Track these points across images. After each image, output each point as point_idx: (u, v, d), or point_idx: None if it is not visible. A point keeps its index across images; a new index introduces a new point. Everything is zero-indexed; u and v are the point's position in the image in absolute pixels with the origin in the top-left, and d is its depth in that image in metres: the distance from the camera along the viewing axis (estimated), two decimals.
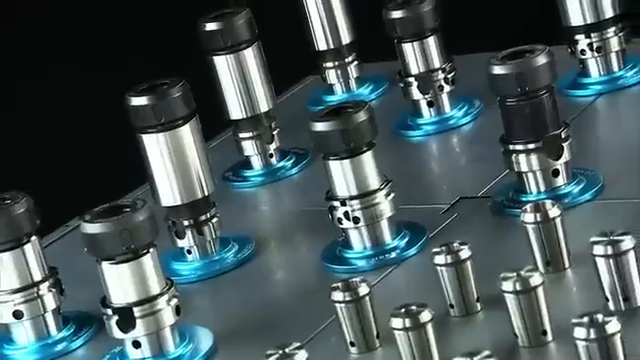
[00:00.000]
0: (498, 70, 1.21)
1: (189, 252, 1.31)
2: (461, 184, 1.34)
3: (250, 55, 1.45)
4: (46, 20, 2.25)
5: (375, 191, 1.22)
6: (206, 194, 1.29)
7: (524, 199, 1.23)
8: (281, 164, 1.49)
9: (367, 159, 1.22)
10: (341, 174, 1.22)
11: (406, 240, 1.24)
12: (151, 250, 1.12)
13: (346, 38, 1.61)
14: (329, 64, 1.63)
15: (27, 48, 2.23)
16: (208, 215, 1.29)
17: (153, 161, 1.26)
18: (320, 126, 1.22)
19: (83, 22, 2.25)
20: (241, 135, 1.48)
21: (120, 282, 1.11)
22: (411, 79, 1.49)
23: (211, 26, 1.44)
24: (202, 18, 1.46)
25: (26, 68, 2.21)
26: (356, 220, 1.22)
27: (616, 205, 1.20)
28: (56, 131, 2.18)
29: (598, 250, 1.02)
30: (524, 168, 1.23)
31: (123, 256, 1.11)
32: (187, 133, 1.27)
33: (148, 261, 1.12)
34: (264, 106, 1.47)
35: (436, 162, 1.47)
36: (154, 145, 1.26)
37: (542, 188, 1.23)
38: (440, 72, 1.48)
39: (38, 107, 2.21)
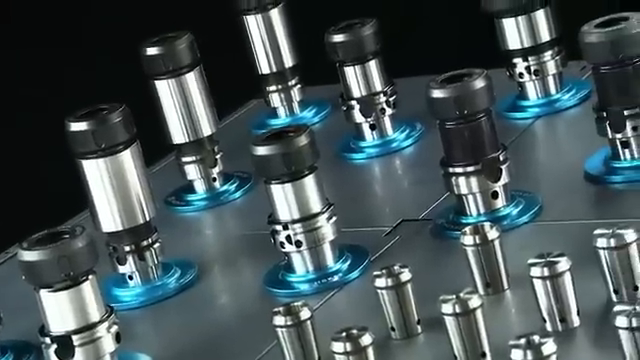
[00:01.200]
0: (437, 94, 1.23)
1: (130, 278, 1.30)
2: (403, 207, 1.35)
3: (192, 79, 1.45)
4: None
5: (317, 214, 1.23)
6: (147, 219, 1.28)
7: (464, 221, 1.24)
8: (224, 188, 1.49)
9: (309, 183, 1.23)
10: (283, 198, 1.23)
11: (348, 263, 1.24)
12: (90, 277, 1.11)
13: (289, 61, 1.62)
14: (272, 87, 1.63)
15: None
16: (150, 240, 1.29)
17: (93, 187, 1.26)
18: (261, 150, 1.22)
19: (21, 45, 2.23)
20: (184, 159, 1.48)
21: (59, 310, 1.10)
22: (353, 102, 1.50)
23: (152, 51, 1.44)
24: (144, 43, 1.46)
25: None
26: (298, 244, 1.23)
27: (554, 227, 1.21)
28: None
29: (535, 272, 1.04)
30: (464, 191, 1.24)
31: (62, 283, 1.10)
32: (128, 158, 1.26)
33: (87, 288, 1.11)
34: (207, 130, 1.47)
35: (379, 185, 1.48)
36: (94, 170, 1.25)
37: (482, 210, 1.25)
38: (382, 95, 1.49)
39: None
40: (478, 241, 1.12)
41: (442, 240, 1.25)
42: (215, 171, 1.48)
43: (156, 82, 1.45)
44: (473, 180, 1.23)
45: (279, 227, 1.23)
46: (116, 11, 2.23)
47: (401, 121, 1.51)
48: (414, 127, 1.51)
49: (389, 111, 1.49)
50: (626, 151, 1.25)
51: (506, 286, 1.13)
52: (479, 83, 1.22)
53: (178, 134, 1.47)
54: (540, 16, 1.43)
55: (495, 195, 1.24)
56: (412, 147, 1.49)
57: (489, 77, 1.23)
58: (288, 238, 1.23)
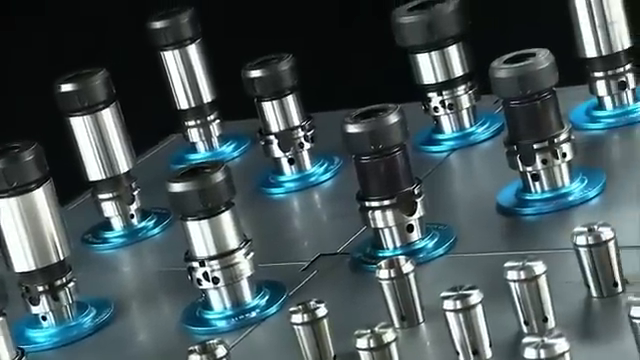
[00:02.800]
0: (352, 129, 1.24)
1: (44, 318, 1.28)
2: (321, 241, 1.36)
3: (108, 115, 1.44)
4: None
5: (234, 251, 1.22)
6: (61, 258, 1.27)
7: (380, 255, 1.25)
8: (142, 224, 1.48)
9: (225, 219, 1.23)
10: (199, 234, 1.22)
11: (266, 299, 1.24)
12: (0, 319, 1.09)
13: (207, 97, 1.62)
14: (191, 122, 1.63)
15: None
16: (64, 279, 1.27)
17: (5, 226, 1.24)
18: (177, 187, 1.22)
19: None
20: (100, 196, 1.47)
21: None
22: (271, 137, 1.50)
23: (67, 87, 1.43)
24: (58, 79, 1.44)
25: None
26: (215, 280, 1.22)
27: (468, 259, 1.23)
28: None
29: (447, 305, 1.05)
30: (380, 224, 1.25)
31: None
32: (40, 197, 1.25)
33: None
34: (123, 166, 1.46)
35: (297, 219, 1.48)
36: (6, 210, 1.24)
37: (398, 243, 1.26)
38: (300, 130, 1.50)
39: None
40: (393, 275, 1.13)
41: (359, 274, 1.26)
42: (132, 208, 1.47)
43: (71, 119, 1.44)
44: (389, 214, 1.24)
45: (196, 264, 1.22)
46: (32, 47, 2.21)
47: (319, 155, 1.52)
48: (332, 161, 1.52)
49: (307, 145, 1.50)
50: (536, 184, 1.27)
51: (421, 319, 1.14)
52: (393, 118, 1.23)
53: (94, 171, 1.45)
54: (453, 51, 1.46)
55: (410, 228, 1.25)
56: (331, 181, 1.50)
57: (403, 112, 1.25)
58: (205, 275, 1.22)
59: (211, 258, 1.22)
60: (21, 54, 2.21)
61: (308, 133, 1.50)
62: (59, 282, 1.27)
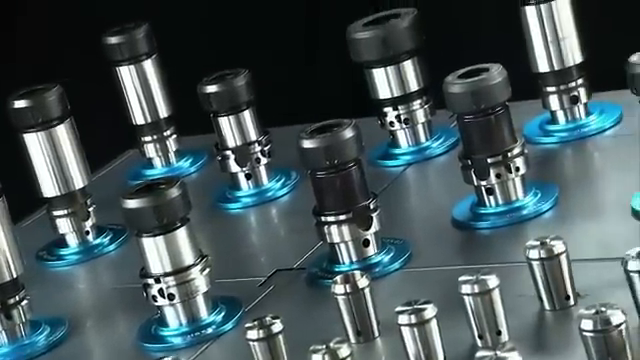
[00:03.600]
0: (307, 144, 1.24)
1: None
2: (278, 256, 1.35)
3: (62, 131, 1.43)
4: None
5: (190, 267, 1.22)
6: (14, 276, 1.25)
7: (337, 270, 1.25)
8: (98, 241, 1.47)
9: (181, 235, 1.22)
10: (155, 251, 1.22)
11: (222, 315, 1.24)
12: None
13: (163, 112, 1.62)
14: (147, 138, 1.62)
15: None
16: (17, 298, 1.26)
17: None
18: (131, 203, 1.21)
19: None
20: (55, 213, 1.46)
21: None
22: (228, 152, 1.50)
23: (20, 103, 1.42)
24: (11, 95, 1.43)
25: None
26: (171, 297, 1.22)
27: (423, 273, 1.23)
28: None
29: (402, 319, 1.05)
30: (336, 239, 1.25)
31: None
32: None
33: None
34: (79, 183, 1.45)
35: (255, 234, 1.48)
36: None
37: (354, 258, 1.26)
38: (257, 145, 1.50)
39: None
40: (348, 290, 1.13)
41: (316, 289, 1.26)
42: (88, 224, 1.46)
43: (25, 135, 1.43)
44: (345, 228, 1.25)
45: (151, 281, 1.22)
46: None
47: (276, 170, 1.52)
48: (289, 176, 1.52)
49: (264, 160, 1.50)
50: (491, 198, 1.28)
51: (376, 334, 1.14)
52: (348, 133, 1.24)
53: (49, 187, 1.44)
54: (408, 66, 1.47)
55: (366, 243, 1.26)
56: (287, 196, 1.50)
57: (358, 127, 1.25)
58: (160, 291, 1.21)
59: (166, 274, 1.21)
60: None
61: (265, 148, 1.50)
62: (12, 300, 1.25)
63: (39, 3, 2.18)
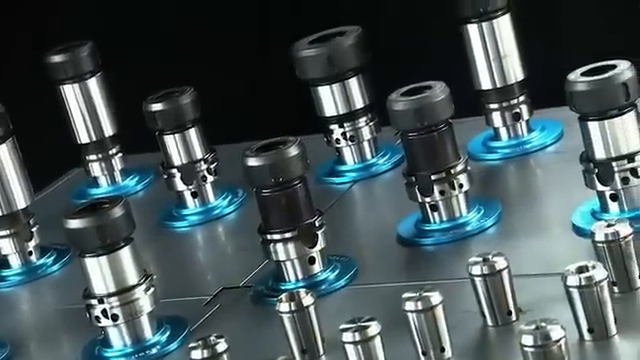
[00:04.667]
0: (252, 162, 1.24)
1: None
2: (225, 274, 1.35)
3: (4, 151, 1.42)
4: None
5: (134, 287, 1.21)
6: None
7: (283, 287, 1.25)
8: (41, 261, 1.45)
9: (124, 254, 1.21)
10: (98, 271, 1.20)
11: (167, 335, 1.23)
12: None
13: (109, 130, 1.61)
14: (92, 157, 1.61)
15: None
16: None
17: None
18: (74, 223, 1.20)
19: None
20: None
21: None
22: (174, 170, 1.49)
23: None
24: None
25: None
26: (115, 317, 1.20)
27: (368, 290, 1.24)
28: None
29: (346, 337, 1.05)
30: (281, 257, 1.25)
31: None
32: None
33: None
34: (21, 203, 1.43)
35: (201, 252, 1.47)
36: None
37: (300, 276, 1.26)
38: (203, 163, 1.49)
39: None
40: (293, 308, 1.13)
41: (262, 307, 1.25)
42: (31, 244, 1.44)
43: None
44: (290, 246, 1.24)
45: (94, 301, 1.21)
46: None
47: (223, 188, 1.51)
48: (236, 193, 1.51)
49: (210, 178, 1.50)
50: (435, 214, 1.29)
51: (322, 352, 1.14)
52: (293, 151, 1.24)
53: None
54: (354, 83, 1.47)
55: (312, 261, 1.26)
56: (234, 214, 1.49)
57: (303, 145, 1.25)
58: (104, 312, 1.20)
59: (110, 295, 1.20)
60: None
61: (211, 166, 1.50)
62: None
63: None
